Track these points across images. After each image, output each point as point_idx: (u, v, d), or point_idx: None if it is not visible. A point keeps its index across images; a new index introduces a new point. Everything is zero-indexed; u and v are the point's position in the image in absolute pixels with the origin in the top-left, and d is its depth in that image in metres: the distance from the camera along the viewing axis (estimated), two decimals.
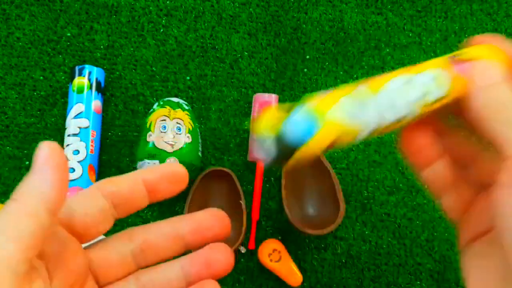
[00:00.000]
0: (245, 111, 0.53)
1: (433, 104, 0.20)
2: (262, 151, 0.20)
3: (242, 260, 0.49)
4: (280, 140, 0.19)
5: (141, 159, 0.46)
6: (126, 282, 0.22)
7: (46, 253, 0.19)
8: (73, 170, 0.47)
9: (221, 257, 0.22)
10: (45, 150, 0.18)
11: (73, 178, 0.47)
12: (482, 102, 0.20)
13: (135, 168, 0.50)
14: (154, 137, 0.46)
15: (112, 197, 0.21)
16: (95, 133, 0.49)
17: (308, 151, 0.19)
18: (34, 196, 0.18)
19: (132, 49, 0.54)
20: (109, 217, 0.21)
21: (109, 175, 0.51)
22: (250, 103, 0.53)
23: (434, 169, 0.24)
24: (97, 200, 0.21)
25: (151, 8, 0.55)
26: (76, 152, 0.48)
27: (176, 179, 0.22)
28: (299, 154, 0.19)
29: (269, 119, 0.20)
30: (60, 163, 0.18)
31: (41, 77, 0.53)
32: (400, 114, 0.20)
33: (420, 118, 0.21)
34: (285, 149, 0.19)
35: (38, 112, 0.52)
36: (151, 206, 0.50)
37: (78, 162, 0.47)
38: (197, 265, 0.22)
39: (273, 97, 0.51)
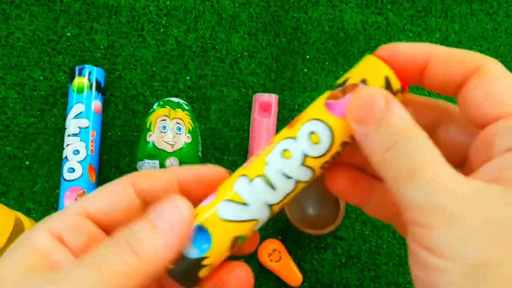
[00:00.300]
0: (245, 111, 0.53)
1: (325, 156, 0.18)
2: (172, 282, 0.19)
3: (242, 260, 0.49)
4: (181, 266, 0.18)
5: (141, 159, 0.46)
6: None
7: (76, 249, 0.18)
8: (73, 170, 0.47)
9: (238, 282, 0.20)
10: (183, 213, 0.17)
11: (73, 178, 0.47)
12: (369, 150, 0.17)
13: (135, 169, 0.50)
14: (154, 137, 0.46)
15: (144, 195, 0.20)
16: (95, 133, 0.49)
17: (212, 264, 0.19)
18: (154, 259, 0.16)
19: (132, 49, 0.54)
20: (139, 214, 0.19)
21: (109, 176, 0.51)
22: (250, 103, 0.53)
23: (373, 203, 0.21)
24: (128, 196, 0.19)
25: (151, 8, 0.55)
26: (76, 152, 0.48)
27: (215, 183, 0.20)
28: (205, 271, 0.19)
29: None
30: (187, 235, 0.17)
31: (41, 77, 0.53)
32: (292, 186, 0.19)
33: (324, 168, 0.19)
34: (189, 272, 0.18)
35: (38, 112, 0.52)
36: None
37: (78, 162, 0.47)
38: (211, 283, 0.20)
39: (273, 97, 0.51)
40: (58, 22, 0.54)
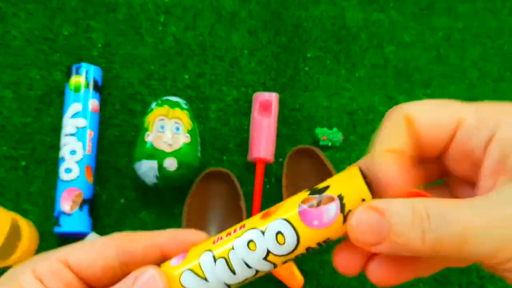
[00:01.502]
0: (245, 110, 0.52)
1: (288, 256, 0.20)
2: None
3: None
4: None
5: (139, 160, 0.45)
6: None
7: None
8: (70, 170, 0.47)
9: None
10: (158, 285, 0.19)
11: (69, 179, 0.46)
12: (409, 250, 0.17)
13: (132, 169, 0.50)
14: (152, 137, 0.45)
15: (126, 256, 0.21)
16: (93, 133, 0.48)
17: None
18: None
19: (129, 47, 0.53)
20: (116, 273, 0.21)
21: (106, 176, 0.50)
22: (250, 102, 0.52)
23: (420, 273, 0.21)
24: (108, 256, 0.21)
25: (149, 5, 0.54)
26: (73, 152, 0.47)
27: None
28: None
29: None
30: None
31: (38, 76, 0.52)
32: (251, 274, 0.20)
33: (286, 262, 0.20)
34: None
35: (35, 112, 0.51)
36: (149, 207, 0.49)
37: (75, 162, 0.47)
38: None
39: (274, 96, 0.50)
40: (55, 20, 0.53)
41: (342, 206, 0.19)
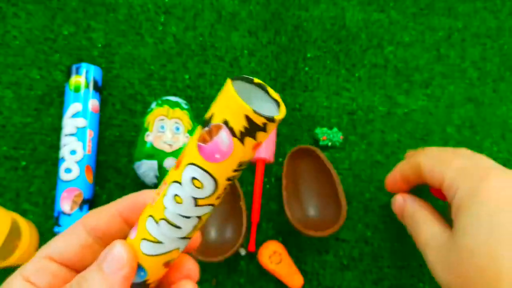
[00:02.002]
0: None
1: (215, 193, 0.19)
2: None
3: (242, 262, 0.48)
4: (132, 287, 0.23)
5: (139, 160, 0.45)
6: None
7: (43, 287, 0.21)
8: (70, 170, 0.46)
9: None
10: (125, 257, 0.20)
11: (69, 179, 0.46)
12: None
13: (132, 169, 0.50)
14: (152, 137, 0.45)
15: (95, 232, 0.23)
16: (93, 133, 0.48)
17: (155, 280, 0.22)
18: None
19: (129, 47, 0.53)
20: (96, 249, 0.23)
21: (106, 176, 0.50)
22: None
23: None
24: (79, 236, 0.23)
25: (149, 5, 0.54)
26: (73, 152, 0.47)
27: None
28: (152, 285, 0.23)
29: None
30: (132, 273, 0.21)
31: (38, 76, 0.52)
32: (195, 221, 0.20)
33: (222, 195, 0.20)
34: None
35: (35, 112, 0.51)
36: None
37: (75, 162, 0.47)
38: None
39: None
40: (55, 20, 0.53)
41: (231, 130, 0.18)
